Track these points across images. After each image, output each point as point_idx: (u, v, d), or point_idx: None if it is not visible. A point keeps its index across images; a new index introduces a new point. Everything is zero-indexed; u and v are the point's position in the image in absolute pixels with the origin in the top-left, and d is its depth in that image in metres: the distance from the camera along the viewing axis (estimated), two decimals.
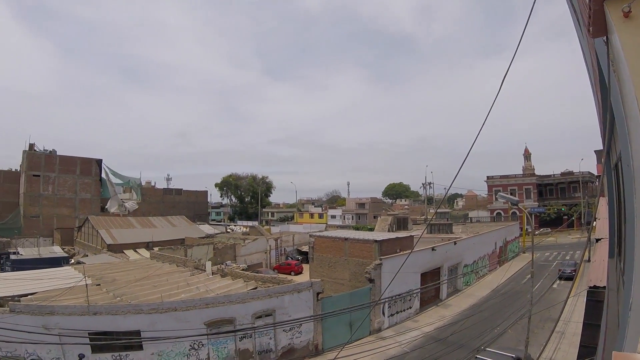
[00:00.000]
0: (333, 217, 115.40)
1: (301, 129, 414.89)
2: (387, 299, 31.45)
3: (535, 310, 24.06)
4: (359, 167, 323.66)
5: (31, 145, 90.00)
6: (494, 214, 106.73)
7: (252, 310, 25.39)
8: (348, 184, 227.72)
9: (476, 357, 21.55)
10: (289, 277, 38.10)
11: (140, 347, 22.58)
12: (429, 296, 38.85)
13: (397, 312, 33.63)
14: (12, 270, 46.37)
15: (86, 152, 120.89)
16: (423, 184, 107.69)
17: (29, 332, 19.61)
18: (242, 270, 40.95)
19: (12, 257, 55.37)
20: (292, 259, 61.58)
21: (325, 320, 27.99)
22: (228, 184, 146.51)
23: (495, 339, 27.64)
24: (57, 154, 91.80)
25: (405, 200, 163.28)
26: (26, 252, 61.08)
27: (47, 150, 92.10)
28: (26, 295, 28.93)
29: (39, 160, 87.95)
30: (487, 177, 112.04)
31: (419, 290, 35.75)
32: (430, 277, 38.65)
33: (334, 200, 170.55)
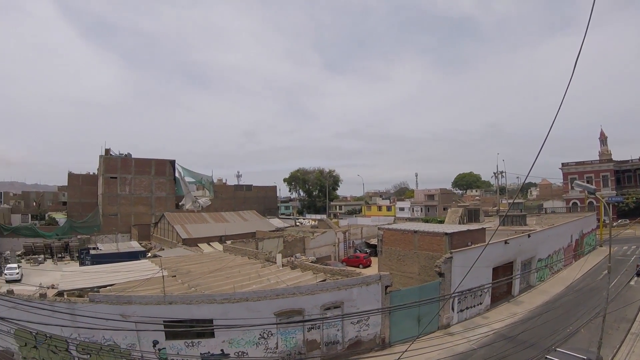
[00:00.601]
0: (401, 209, 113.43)
1: (365, 121, 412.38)
2: (457, 294, 30.60)
3: (610, 309, 22.68)
4: (426, 157, 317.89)
5: (107, 151, 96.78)
6: (570, 204, 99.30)
7: (320, 301, 25.41)
8: (416, 175, 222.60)
9: (546, 358, 20.51)
10: (358, 270, 37.83)
11: (212, 335, 23.19)
12: (501, 292, 37.27)
13: (467, 308, 32.55)
14: (92, 264, 49.29)
15: (161, 155, 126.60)
16: (494, 173, 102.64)
17: (107, 320, 20.62)
18: (311, 262, 41.20)
19: (92, 252, 58.79)
20: (360, 251, 61.30)
21: (393, 314, 27.58)
22: (296, 179, 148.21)
23: (567, 338, 26.17)
24: (132, 157, 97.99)
25: (476, 191, 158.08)
26: (105, 247, 64.49)
27: (122, 154, 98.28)
28: (105, 286, 30.44)
29: (115, 164, 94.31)
30: (562, 164, 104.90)
31: (490, 285, 34.49)
32: (502, 271, 36.98)
33: (402, 192, 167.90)
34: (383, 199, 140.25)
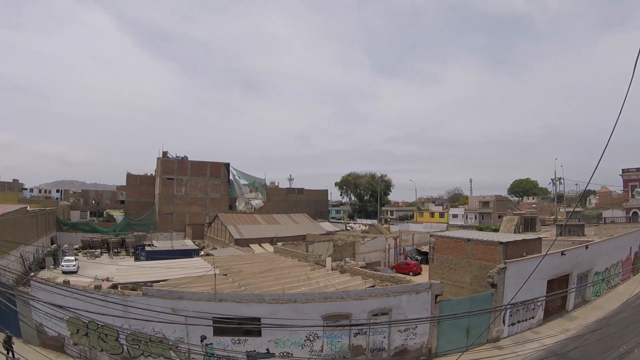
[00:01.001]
0: (455, 216, 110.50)
1: (418, 125, 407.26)
2: (509, 306, 29.51)
3: None
4: (481, 163, 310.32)
5: (164, 153, 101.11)
6: (630, 213, 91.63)
7: (368, 307, 25.13)
8: (470, 181, 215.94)
9: None
10: (407, 277, 37.30)
11: (258, 334, 23.39)
12: (554, 306, 35.39)
13: (518, 322, 31.20)
14: (146, 260, 51.19)
15: (216, 157, 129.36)
16: (552, 180, 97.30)
17: (158, 313, 21.15)
18: (361, 267, 40.91)
19: (147, 248, 61.12)
20: (411, 258, 60.26)
21: (441, 324, 26.90)
22: (347, 183, 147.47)
23: (620, 358, 24.84)
24: (189, 159, 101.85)
25: (533, 198, 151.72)
26: (160, 244, 66.56)
27: (179, 156, 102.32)
28: (158, 281, 31.22)
29: (172, 166, 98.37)
30: (623, 171, 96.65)
31: (544, 298, 33.03)
32: (557, 285, 34.94)
33: (456, 199, 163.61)
34: (436, 205, 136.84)
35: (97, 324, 22.61)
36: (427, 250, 46.41)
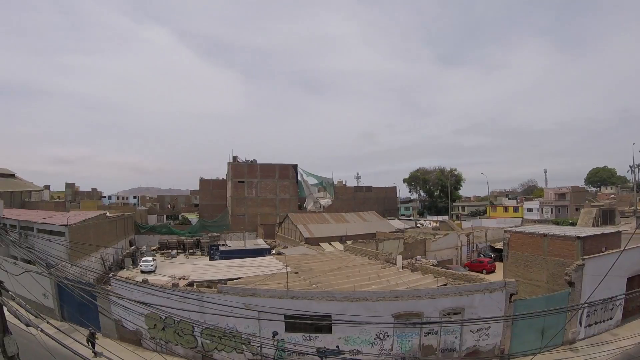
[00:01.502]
0: (529, 210, 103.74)
1: (485, 114, 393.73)
2: (586, 305, 27.98)
3: None
4: (555, 151, 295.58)
5: (234, 158, 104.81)
6: None
7: (440, 306, 24.74)
8: (545, 172, 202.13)
9: None
10: (481, 276, 36.32)
11: (329, 331, 23.65)
12: (634, 306, 32.85)
13: (595, 323, 29.49)
14: (221, 259, 53.30)
15: (284, 159, 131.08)
16: (630, 167, 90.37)
17: (232, 309, 21.79)
18: (432, 265, 40.25)
19: (221, 248, 63.51)
20: (484, 256, 58.61)
21: (515, 325, 26.02)
22: (416, 179, 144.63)
23: None
24: (258, 162, 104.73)
25: (611, 188, 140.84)
26: (233, 244, 68.67)
27: (248, 160, 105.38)
28: (232, 279, 32.12)
29: (242, 169, 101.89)
30: None
31: (624, 297, 30.66)
32: (638, 282, 32.18)
33: (530, 191, 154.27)
34: (509, 198, 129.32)
35: (174, 319, 23.60)
36: (501, 247, 45.06)
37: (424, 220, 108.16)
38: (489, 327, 25.32)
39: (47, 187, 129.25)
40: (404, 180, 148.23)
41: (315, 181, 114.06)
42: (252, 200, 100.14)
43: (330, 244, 64.54)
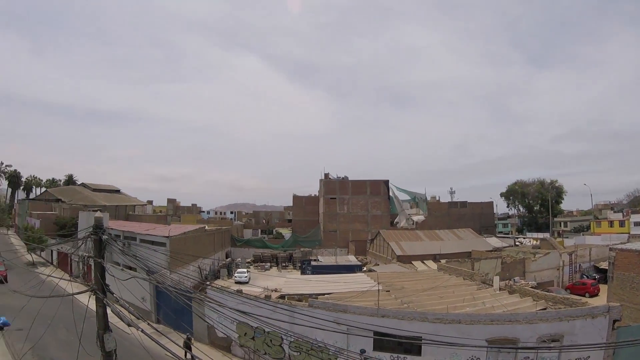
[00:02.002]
0: (637, 224, 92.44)
1: (584, 118, 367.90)
2: None
3: None
4: None
5: (326, 175, 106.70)
6: None
7: (538, 332, 23.11)
8: None
9: None
10: (583, 299, 33.50)
11: (418, 352, 22.75)
12: None
13: None
14: (312, 273, 53.59)
15: (375, 175, 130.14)
16: None
17: (321, 324, 21.46)
18: (531, 287, 37.81)
19: (313, 263, 63.96)
20: (587, 277, 53.91)
21: (617, 354, 23.41)
22: (514, 193, 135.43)
23: None
24: (349, 179, 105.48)
25: None
26: (325, 259, 68.96)
27: (339, 177, 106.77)
28: (323, 294, 31.95)
29: (333, 186, 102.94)
30: None
31: None
32: None
33: (637, 203, 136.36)
34: (615, 211, 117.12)
35: (264, 329, 23.72)
36: (606, 267, 41.48)
37: (524, 238, 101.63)
38: (589, 356, 23.15)
39: (150, 202, 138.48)
40: (501, 195, 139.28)
41: (407, 197, 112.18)
42: (344, 217, 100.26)
43: (423, 262, 62.77)
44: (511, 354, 22.85)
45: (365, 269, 60.53)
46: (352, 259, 72.74)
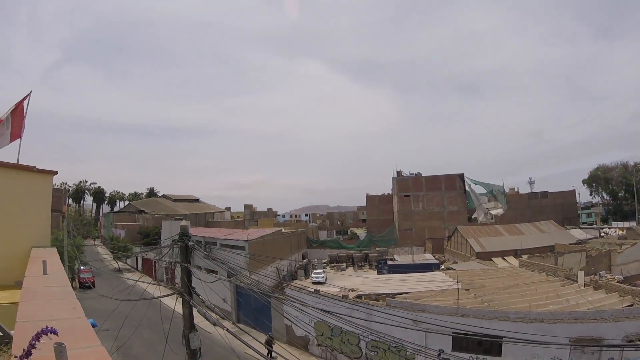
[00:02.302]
0: None
1: None
2: None
3: None
4: None
5: (398, 172, 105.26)
6: None
7: (624, 330, 21.90)
8: None
9: None
10: None
11: (498, 353, 22.20)
12: None
13: None
14: (388, 273, 53.69)
15: (449, 169, 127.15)
16: None
17: (399, 324, 21.39)
18: (618, 282, 35.79)
19: (389, 262, 63.92)
20: None
21: None
22: (597, 179, 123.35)
23: None
24: (422, 175, 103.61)
25: None
26: (401, 258, 68.51)
27: (412, 173, 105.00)
28: (400, 294, 31.80)
29: (407, 183, 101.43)
30: None
31: None
32: None
33: None
34: None
35: (342, 329, 23.97)
36: None
37: (608, 228, 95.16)
38: None
39: (228, 209, 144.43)
40: (584, 182, 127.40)
41: (484, 190, 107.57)
42: (419, 214, 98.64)
43: (504, 258, 60.88)
44: (595, 354, 21.77)
45: (443, 267, 59.54)
46: (429, 257, 71.63)
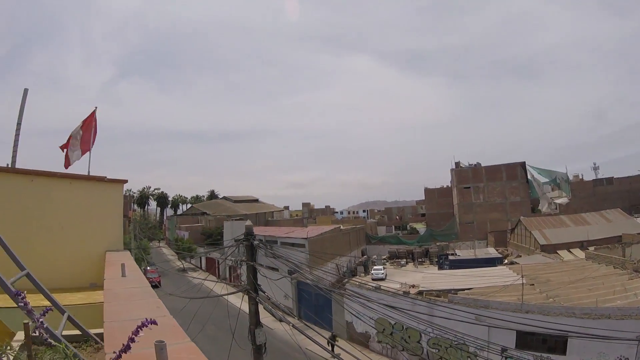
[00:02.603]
0: None
1: None
2: None
3: None
4: None
5: (456, 164, 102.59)
6: None
7: None
8: None
9: None
10: None
11: (562, 352, 21.68)
12: None
13: None
14: (450, 268, 53.02)
15: (509, 158, 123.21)
16: None
17: (461, 320, 21.21)
18: None
19: (450, 257, 63.20)
20: None
21: None
22: None
23: None
24: (482, 165, 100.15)
25: None
26: (462, 253, 67.53)
27: (471, 164, 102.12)
28: (463, 289, 31.53)
29: (466, 175, 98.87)
30: None
31: None
32: None
33: None
34: None
35: (403, 326, 24.03)
36: None
37: None
38: None
39: (287, 208, 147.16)
40: None
41: (547, 179, 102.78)
42: (480, 206, 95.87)
43: (569, 251, 58.86)
44: None
45: (506, 261, 58.34)
46: (491, 251, 70.18)
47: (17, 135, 16.67)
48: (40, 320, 2.96)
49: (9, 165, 15.21)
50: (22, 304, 3.01)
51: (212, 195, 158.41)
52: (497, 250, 73.86)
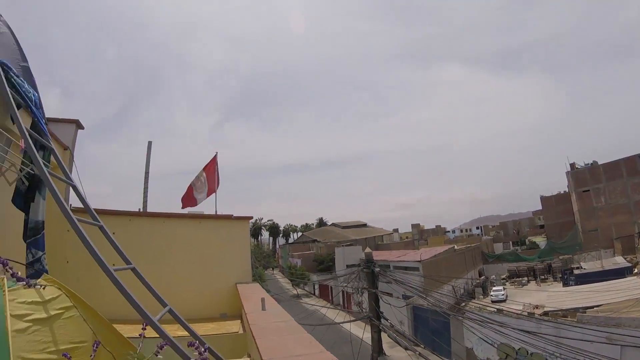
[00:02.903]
0: None
1: None
2: None
3: None
4: None
5: (572, 165, 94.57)
6: None
7: None
8: None
9: None
10: None
11: None
12: None
13: None
14: (576, 284, 49.42)
15: (627, 151, 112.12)
16: None
17: (591, 342, 20.13)
18: None
19: (575, 272, 59.00)
20: None
21: None
22: None
23: None
24: (599, 163, 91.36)
25: None
26: (588, 265, 62.84)
27: (587, 164, 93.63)
28: (592, 307, 29.85)
29: (583, 176, 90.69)
30: None
31: None
32: None
33: None
34: None
35: (527, 351, 23.18)
36: None
37: None
38: None
39: (396, 230, 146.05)
40: None
41: None
42: (602, 210, 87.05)
43: None
44: None
45: (636, 270, 53.95)
46: (619, 261, 64.83)
47: (146, 182, 19.06)
48: (205, 352, 3.15)
49: (140, 210, 17.40)
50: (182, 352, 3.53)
51: (321, 223, 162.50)
52: (625, 258, 68.16)
